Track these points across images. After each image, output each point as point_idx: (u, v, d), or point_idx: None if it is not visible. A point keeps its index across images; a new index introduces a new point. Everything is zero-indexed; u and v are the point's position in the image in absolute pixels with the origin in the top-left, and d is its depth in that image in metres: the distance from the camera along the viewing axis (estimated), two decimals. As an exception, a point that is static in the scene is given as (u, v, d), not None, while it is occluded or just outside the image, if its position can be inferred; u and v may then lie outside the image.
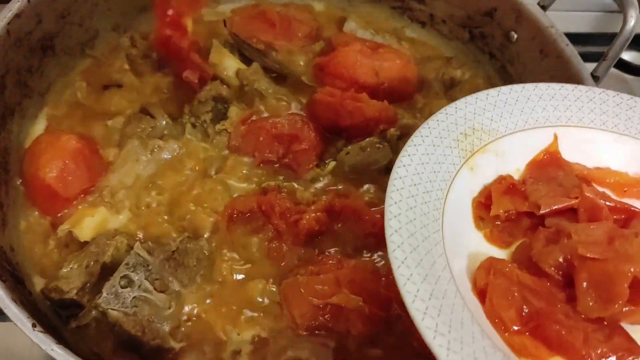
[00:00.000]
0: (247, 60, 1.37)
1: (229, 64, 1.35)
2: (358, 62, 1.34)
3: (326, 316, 1.05)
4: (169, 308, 1.05)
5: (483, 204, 0.96)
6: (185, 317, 1.06)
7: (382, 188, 1.22)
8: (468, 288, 0.85)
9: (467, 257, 0.89)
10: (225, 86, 1.30)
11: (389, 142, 1.25)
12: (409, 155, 0.92)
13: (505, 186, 0.97)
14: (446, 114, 0.98)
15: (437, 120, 0.97)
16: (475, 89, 1.40)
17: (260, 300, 1.08)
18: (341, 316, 1.04)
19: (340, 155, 1.24)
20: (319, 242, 1.15)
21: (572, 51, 1.21)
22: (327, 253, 1.13)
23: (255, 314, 1.07)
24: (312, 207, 1.13)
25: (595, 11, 1.83)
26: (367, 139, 1.24)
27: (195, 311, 1.06)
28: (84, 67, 1.37)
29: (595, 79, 1.19)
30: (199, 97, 1.28)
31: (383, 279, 1.10)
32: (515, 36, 1.33)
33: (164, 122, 1.26)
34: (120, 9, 1.40)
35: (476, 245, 0.93)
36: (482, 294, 0.84)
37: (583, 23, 1.81)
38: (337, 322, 1.04)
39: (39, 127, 1.28)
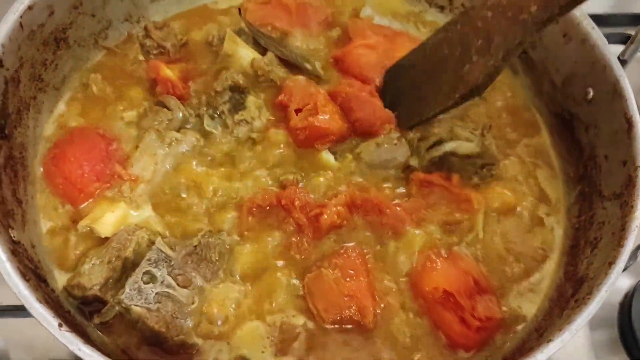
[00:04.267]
0: (262, 50, 1.34)
1: (244, 54, 1.32)
2: (370, 62, 1.31)
3: (352, 308, 1.04)
4: (192, 303, 1.04)
5: None
6: (208, 312, 1.05)
7: (400, 184, 1.20)
8: None
9: None
10: (241, 75, 1.28)
11: (410, 142, 1.22)
12: None
13: None
14: None
15: None
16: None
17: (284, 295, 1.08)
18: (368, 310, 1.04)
19: (356, 151, 1.22)
20: (339, 235, 1.13)
21: (598, 34, 1.17)
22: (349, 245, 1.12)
23: (278, 308, 1.07)
24: (333, 201, 1.12)
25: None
26: (384, 136, 1.21)
27: (218, 306, 1.05)
28: (98, 59, 1.35)
29: (623, 63, 1.15)
30: (215, 86, 1.26)
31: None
32: (538, 20, 1.29)
33: (181, 115, 1.24)
34: (132, -2, 1.38)
35: None
36: None
37: (601, 3, 1.76)
38: (364, 315, 1.04)
39: (55, 121, 1.26)
